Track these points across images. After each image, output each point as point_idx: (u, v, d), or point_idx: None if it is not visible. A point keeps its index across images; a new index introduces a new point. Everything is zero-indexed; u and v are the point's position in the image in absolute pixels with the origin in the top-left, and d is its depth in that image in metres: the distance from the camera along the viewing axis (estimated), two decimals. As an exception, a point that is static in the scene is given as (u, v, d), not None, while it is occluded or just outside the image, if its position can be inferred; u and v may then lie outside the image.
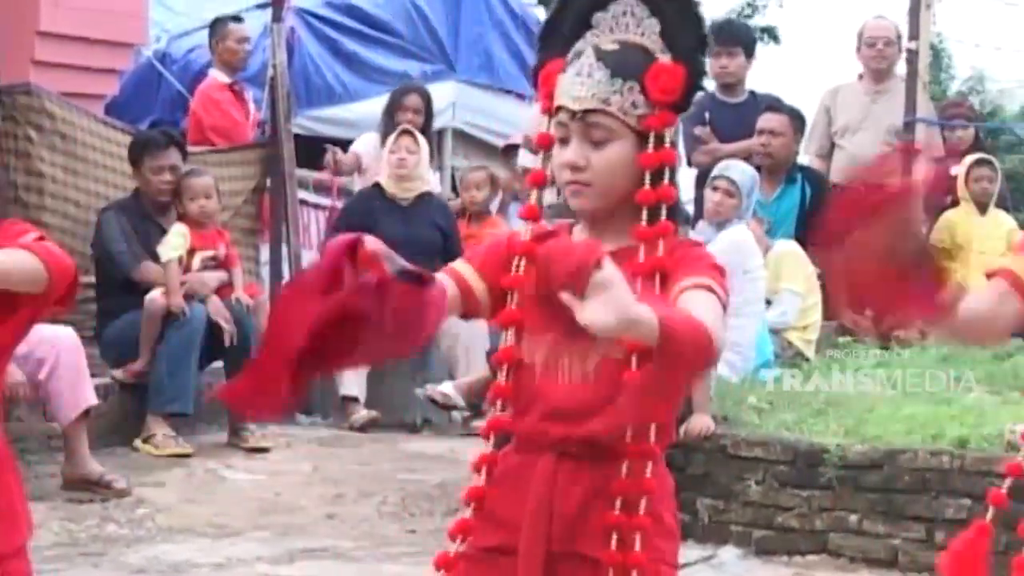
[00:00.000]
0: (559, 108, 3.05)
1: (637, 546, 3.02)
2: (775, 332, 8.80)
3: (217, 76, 10.46)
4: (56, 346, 7.31)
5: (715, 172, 8.68)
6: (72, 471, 7.34)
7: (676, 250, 3.01)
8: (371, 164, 9.96)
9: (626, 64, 3.03)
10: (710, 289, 2.93)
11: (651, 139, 3.03)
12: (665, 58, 3.05)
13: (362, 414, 8.99)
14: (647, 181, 3.03)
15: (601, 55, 3.03)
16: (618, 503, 3.01)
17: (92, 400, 7.42)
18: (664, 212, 3.02)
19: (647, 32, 3.07)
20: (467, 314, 3.13)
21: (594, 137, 3.01)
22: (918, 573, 6.49)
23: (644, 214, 3.02)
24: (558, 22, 3.15)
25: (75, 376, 7.36)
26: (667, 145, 3.06)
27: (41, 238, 3.38)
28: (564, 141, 3.04)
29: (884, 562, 6.56)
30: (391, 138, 9.39)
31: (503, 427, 3.12)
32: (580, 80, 3.03)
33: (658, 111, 3.03)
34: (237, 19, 10.66)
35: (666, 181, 3.04)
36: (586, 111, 3.01)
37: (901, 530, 6.54)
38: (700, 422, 7.04)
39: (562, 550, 3.06)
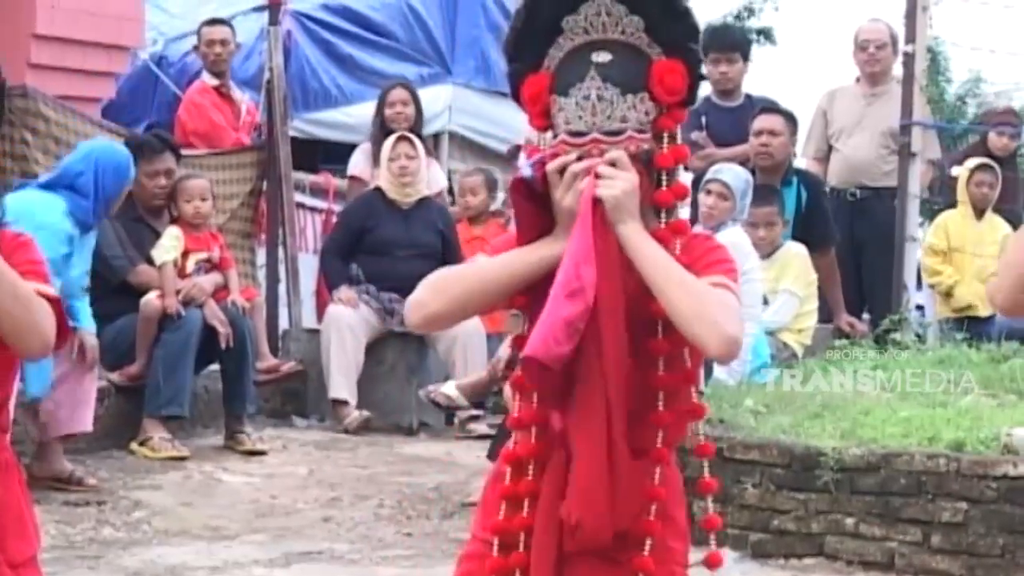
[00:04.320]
0: (570, 132, 3.04)
1: (646, 550, 3.04)
2: (770, 333, 8.81)
3: (205, 79, 10.47)
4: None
5: (708, 175, 8.70)
6: (41, 468, 7.34)
7: (692, 245, 3.08)
8: (369, 174, 9.93)
9: (630, 75, 3.02)
10: (727, 287, 3.03)
11: (665, 140, 3.05)
12: (657, 54, 3.04)
13: (354, 416, 8.99)
14: (664, 181, 3.05)
15: (605, 73, 3.01)
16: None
17: (87, 428, 7.46)
18: (678, 210, 3.08)
19: (628, 30, 3.05)
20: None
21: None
22: (914, 576, 6.49)
23: (663, 215, 3.05)
24: (526, 31, 3.11)
25: (82, 395, 7.40)
26: (679, 142, 3.08)
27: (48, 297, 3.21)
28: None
29: (881, 565, 6.55)
30: (388, 144, 9.37)
31: (536, 419, 3.08)
32: (591, 104, 3.02)
33: (667, 111, 3.05)
34: (217, 21, 10.63)
35: (679, 179, 3.07)
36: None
37: (897, 533, 6.53)
38: None
39: (573, 549, 3.06)
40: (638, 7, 3.04)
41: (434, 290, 3.09)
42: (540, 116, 3.10)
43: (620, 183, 2.98)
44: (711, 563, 3.17)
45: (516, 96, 3.14)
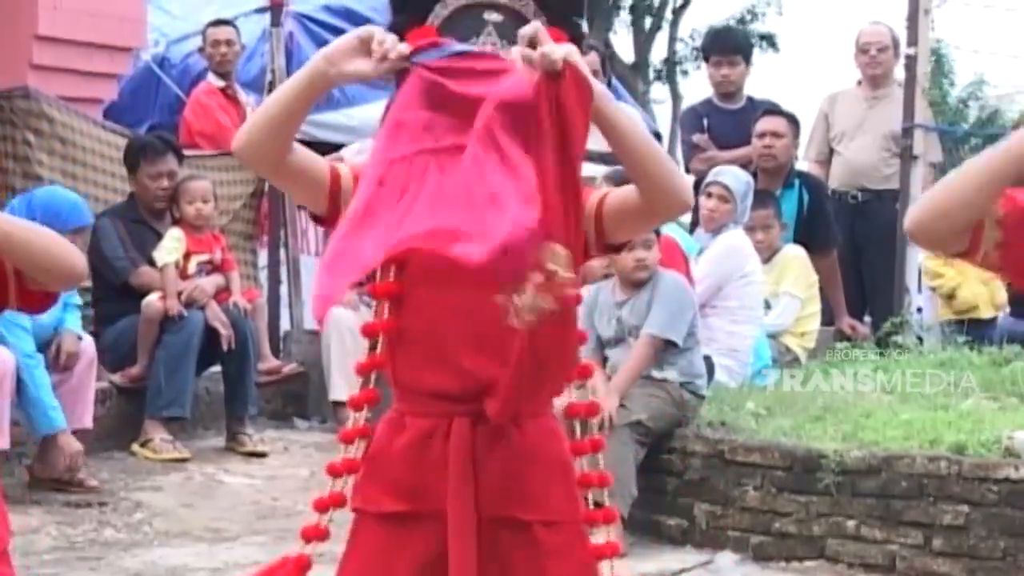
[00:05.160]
0: None
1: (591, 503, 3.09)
2: (773, 337, 8.81)
3: (211, 80, 10.48)
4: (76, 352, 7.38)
5: (708, 178, 8.70)
6: (42, 469, 7.33)
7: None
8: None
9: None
10: None
11: None
12: (543, 23, 3.03)
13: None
14: None
15: (501, 32, 3.02)
16: (584, 462, 3.06)
17: (87, 424, 7.45)
18: None
19: None
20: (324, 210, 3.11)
21: None
22: (915, 578, 6.49)
23: None
24: None
25: (81, 391, 7.39)
26: None
27: None
28: None
29: (881, 567, 6.56)
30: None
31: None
32: None
33: None
34: (222, 22, 10.64)
35: None
36: None
37: (898, 536, 6.54)
38: (604, 403, 6.73)
39: (491, 515, 3.04)
40: None
41: (251, 116, 3.11)
42: None
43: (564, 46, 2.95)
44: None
45: None
